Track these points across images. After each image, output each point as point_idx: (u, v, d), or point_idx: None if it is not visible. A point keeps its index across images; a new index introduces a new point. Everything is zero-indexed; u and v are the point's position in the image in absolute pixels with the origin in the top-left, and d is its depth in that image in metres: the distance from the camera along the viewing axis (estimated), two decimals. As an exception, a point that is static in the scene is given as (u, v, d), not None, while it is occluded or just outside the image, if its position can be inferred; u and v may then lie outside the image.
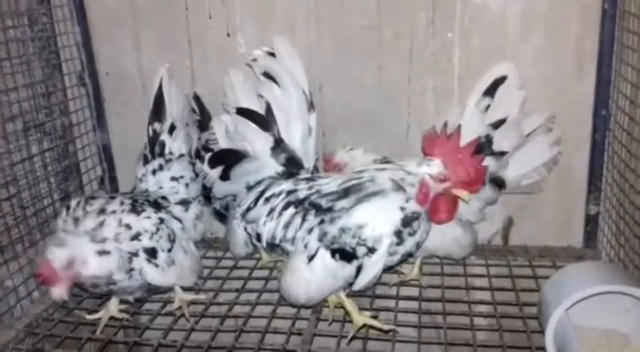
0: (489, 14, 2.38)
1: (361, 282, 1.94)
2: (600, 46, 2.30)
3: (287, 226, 1.95)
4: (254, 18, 2.56)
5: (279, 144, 2.04)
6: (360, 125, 2.48)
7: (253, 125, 2.03)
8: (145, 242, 2.05)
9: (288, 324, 2.10)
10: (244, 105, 2.07)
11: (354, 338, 2.02)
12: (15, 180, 2.35)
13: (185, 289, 2.29)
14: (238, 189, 2.11)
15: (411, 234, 1.88)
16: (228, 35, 2.59)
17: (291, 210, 1.95)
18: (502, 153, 2.23)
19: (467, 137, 2.03)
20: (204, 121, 2.56)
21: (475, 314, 2.13)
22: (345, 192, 1.90)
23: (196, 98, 2.57)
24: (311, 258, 1.92)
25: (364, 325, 2.04)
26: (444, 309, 2.17)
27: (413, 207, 1.87)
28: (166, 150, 2.37)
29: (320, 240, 1.90)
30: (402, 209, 1.86)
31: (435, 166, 1.87)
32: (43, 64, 2.53)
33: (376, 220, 1.86)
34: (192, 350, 2.06)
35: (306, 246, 1.92)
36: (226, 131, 2.14)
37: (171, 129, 2.37)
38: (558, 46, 2.35)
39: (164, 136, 2.36)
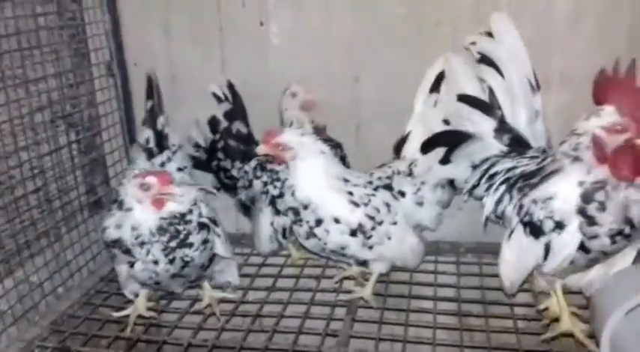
0: (538, 1, 2.28)
1: (550, 265, 1.78)
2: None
3: (498, 202, 1.97)
4: (288, 6, 2.48)
5: (502, 126, 2.05)
6: (398, 118, 2.37)
7: (477, 110, 2.06)
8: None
9: (322, 325, 2.02)
10: (466, 90, 2.09)
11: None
12: (42, 172, 2.30)
13: (215, 287, 2.22)
14: (457, 173, 2.15)
15: (601, 209, 1.62)
16: (262, 24, 2.52)
17: (504, 187, 1.96)
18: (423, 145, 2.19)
19: (417, 139, 2.16)
20: (236, 109, 2.48)
21: (518, 317, 2.03)
22: (535, 172, 1.84)
23: (230, 86, 2.49)
24: (510, 234, 1.86)
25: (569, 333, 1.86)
26: (485, 312, 2.07)
27: (596, 176, 1.63)
28: (170, 142, 2.39)
29: (517, 213, 1.83)
30: (581, 183, 1.65)
31: (607, 115, 1.62)
32: (72, 53, 2.47)
33: (564, 192, 1.69)
34: (224, 351, 1.98)
35: (509, 223, 1.88)
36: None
37: (167, 121, 2.42)
38: (610, 34, 2.24)
39: (167, 129, 2.39)
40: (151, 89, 2.40)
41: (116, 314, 2.13)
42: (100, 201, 2.64)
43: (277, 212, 2.33)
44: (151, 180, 1.88)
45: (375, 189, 2.10)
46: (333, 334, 1.96)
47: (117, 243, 1.94)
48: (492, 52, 2.07)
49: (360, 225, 2.00)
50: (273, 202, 2.32)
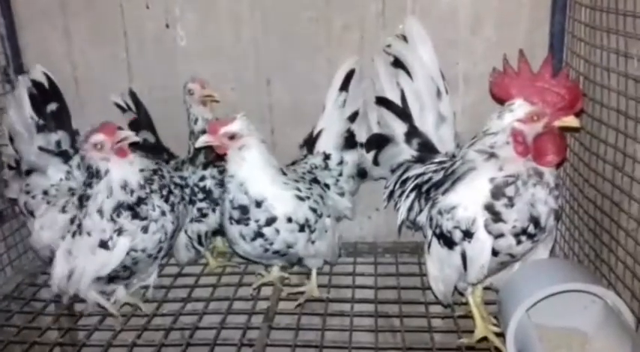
0: (440, 7, 2.32)
1: (471, 273, 1.76)
2: (551, 38, 2.27)
3: (410, 209, 2.02)
4: (195, 8, 2.41)
5: (412, 130, 2.12)
6: (310, 121, 2.36)
7: (391, 113, 2.14)
8: None
9: (238, 335, 1.97)
10: (387, 93, 2.16)
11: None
12: None
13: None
14: (386, 174, 2.23)
15: (509, 205, 1.65)
16: (167, 26, 2.44)
17: (414, 194, 2.00)
18: (362, 144, 2.30)
19: (330, 135, 2.26)
20: (140, 119, 2.42)
21: (432, 315, 2.07)
22: (444, 178, 1.83)
23: (132, 94, 2.43)
24: (429, 248, 1.88)
25: (484, 338, 1.86)
26: (400, 312, 2.09)
27: (507, 171, 1.65)
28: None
29: (430, 225, 1.83)
30: (492, 179, 1.66)
31: (519, 108, 1.65)
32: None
33: (466, 199, 1.70)
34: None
35: (425, 234, 1.89)
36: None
37: None
38: (509, 38, 2.31)
39: None
40: (55, 91, 2.29)
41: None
42: (2, 214, 2.49)
43: (190, 219, 2.29)
44: (99, 137, 1.88)
45: (310, 182, 2.11)
46: (249, 344, 1.92)
47: (120, 208, 1.92)
48: (404, 55, 2.12)
49: (307, 220, 1.99)
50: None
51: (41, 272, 2.41)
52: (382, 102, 2.18)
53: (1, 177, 2.44)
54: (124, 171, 1.94)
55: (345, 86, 2.27)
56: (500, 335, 1.82)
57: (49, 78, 2.29)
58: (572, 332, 1.78)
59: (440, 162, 2.02)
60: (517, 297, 1.69)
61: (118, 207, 1.93)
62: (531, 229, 1.69)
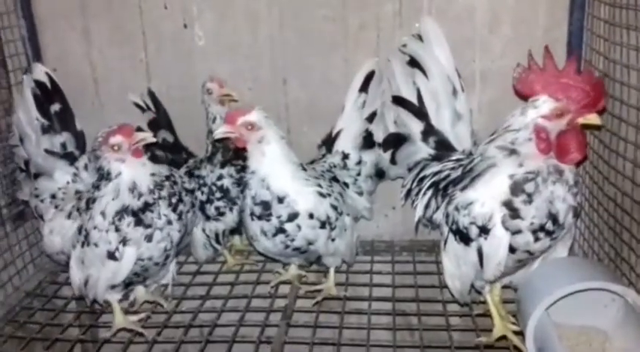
0: (457, 5, 2.32)
1: (487, 271, 1.76)
2: (569, 36, 2.26)
3: (427, 207, 2.02)
4: (212, 8, 2.43)
5: (429, 129, 2.12)
6: (327, 120, 2.37)
7: (408, 112, 2.14)
8: None
9: (257, 332, 1.99)
10: (403, 92, 2.17)
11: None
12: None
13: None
14: (403, 173, 2.24)
15: (528, 202, 1.65)
16: (185, 26, 2.46)
17: (431, 191, 2.00)
18: (379, 144, 2.31)
19: (349, 135, 2.27)
20: (159, 118, 2.44)
21: (450, 313, 2.07)
22: (462, 175, 1.83)
23: (151, 94, 2.45)
24: (445, 244, 1.87)
25: (503, 337, 1.86)
26: (418, 310, 2.09)
27: (528, 167, 1.65)
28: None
29: (446, 222, 1.83)
30: (511, 176, 1.66)
31: (544, 104, 1.64)
32: (-15, 60, 2.35)
33: (484, 195, 1.71)
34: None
35: (441, 231, 1.90)
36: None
37: None
38: (527, 37, 2.30)
39: None
40: (57, 91, 2.29)
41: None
42: (23, 213, 2.53)
43: (207, 217, 2.32)
44: (117, 139, 1.87)
45: (330, 180, 2.13)
46: (267, 341, 1.94)
47: (123, 213, 1.89)
48: (420, 55, 2.13)
49: (328, 217, 1.99)
50: (202, 208, 2.29)
51: (62, 271, 2.45)
52: (399, 101, 2.19)
53: (16, 178, 2.47)
54: (136, 173, 1.91)
55: (364, 87, 2.28)
56: (520, 334, 1.82)
57: (50, 77, 2.28)
58: (592, 330, 1.78)
59: (457, 160, 2.02)
60: (536, 296, 1.69)
61: (122, 211, 1.89)
62: (549, 226, 1.68)
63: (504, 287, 2.02)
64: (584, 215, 2.26)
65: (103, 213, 1.90)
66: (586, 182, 2.25)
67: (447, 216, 1.84)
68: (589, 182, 2.22)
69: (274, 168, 1.93)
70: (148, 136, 1.93)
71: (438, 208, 1.98)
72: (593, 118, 1.63)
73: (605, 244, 2.07)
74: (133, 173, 1.91)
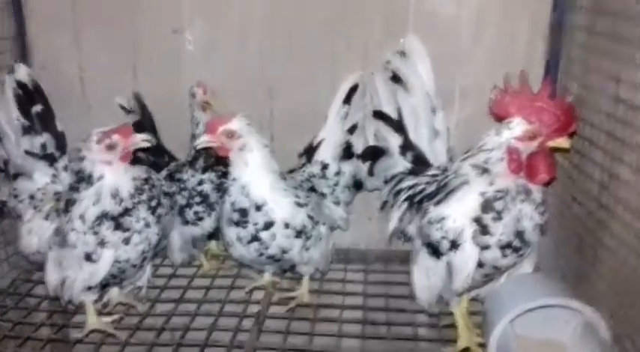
0: (442, 22, 2.40)
1: (456, 283, 1.82)
2: (547, 58, 2.36)
3: (401, 220, 2.08)
4: (203, 16, 2.49)
5: (407, 144, 2.19)
6: (309, 131, 2.42)
7: (388, 127, 2.21)
8: None
9: (229, 337, 2.02)
10: (384, 107, 2.24)
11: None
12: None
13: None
14: (380, 185, 2.30)
15: (497, 219, 1.73)
16: (175, 31, 2.51)
17: (406, 205, 2.06)
18: (358, 156, 2.38)
19: (330, 145, 2.33)
20: (144, 121, 2.46)
21: (418, 324, 2.13)
22: (437, 190, 1.89)
23: (137, 97, 2.47)
24: (416, 257, 1.93)
25: (467, 349, 1.91)
26: (387, 319, 2.15)
27: (498, 186, 1.73)
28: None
29: (419, 235, 1.89)
30: (482, 193, 1.74)
31: (517, 126, 1.71)
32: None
33: (456, 211, 1.77)
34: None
35: (413, 244, 1.96)
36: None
37: None
38: (506, 55, 2.39)
39: None
40: (39, 92, 2.29)
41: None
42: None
43: (185, 222, 2.35)
44: (116, 138, 1.88)
45: (308, 190, 2.17)
46: (239, 346, 1.97)
47: (103, 218, 1.90)
48: (403, 72, 2.19)
49: (304, 226, 2.04)
50: (181, 212, 2.32)
51: (36, 269, 2.45)
52: (379, 115, 2.25)
53: None
54: (119, 178, 1.92)
55: (348, 99, 2.33)
56: (483, 346, 1.87)
57: (32, 79, 2.27)
58: (553, 343, 1.83)
59: (433, 175, 2.08)
60: (501, 309, 1.75)
61: (102, 217, 1.90)
62: (517, 243, 1.75)
63: (472, 299, 2.07)
64: (551, 232, 2.33)
65: (82, 217, 1.91)
66: (555, 200, 2.32)
67: (420, 229, 1.90)
68: (557, 200, 2.29)
69: (255, 177, 1.97)
70: (149, 139, 1.96)
71: (411, 221, 2.04)
72: (562, 142, 1.71)
73: (569, 261, 2.14)
74: (116, 178, 1.92)
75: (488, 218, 1.73)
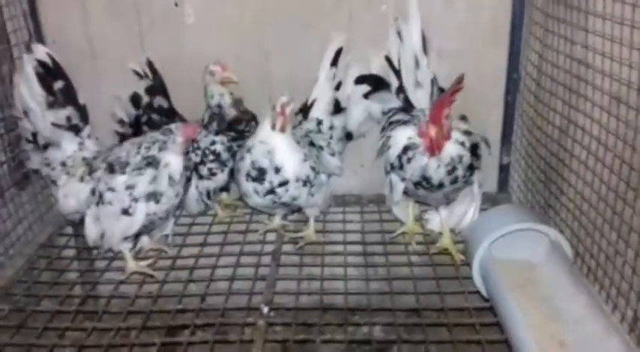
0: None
1: (394, 194, 2.44)
2: (512, 19, 2.65)
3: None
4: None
5: (400, 87, 2.54)
6: (304, 91, 2.67)
7: (391, 71, 2.59)
8: None
9: (252, 271, 2.36)
10: (392, 55, 2.57)
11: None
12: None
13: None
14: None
15: (408, 162, 2.32)
16: (176, 5, 2.71)
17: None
18: (344, 109, 2.72)
19: (322, 104, 2.62)
20: (156, 85, 2.64)
21: (411, 253, 2.51)
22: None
23: (149, 63, 2.64)
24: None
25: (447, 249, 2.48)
26: (385, 250, 2.52)
27: (416, 139, 2.29)
28: None
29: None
30: (409, 138, 2.33)
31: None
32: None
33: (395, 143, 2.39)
34: (167, 300, 2.27)
35: None
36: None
37: None
38: (476, 18, 2.68)
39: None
40: (59, 69, 2.41)
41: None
42: (28, 175, 2.76)
43: (200, 177, 2.62)
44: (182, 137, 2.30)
45: (309, 144, 2.50)
46: (262, 278, 2.30)
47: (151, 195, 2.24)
48: (401, 28, 2.52)
49: (308, 177, 2.38)
50: (195, 168, 2.58)
51: (73, 226, 2.71)
52: (388, 60, 2.57)
53: (20, 146, 2.66)
54: (178, 165, 2.28)
55: (335, 62, 2.62)
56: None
57: (51, 57, 2.40)
58: (524, 262, 2.19)
59: (413, 115, 2.46)
60: (480, 235, 2.12)
61: (151, 195, 2.24)
62: (424, 184, 2.29)
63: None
64: (520, 171, 2.72)
65: (131, 187, 2.23)
66: (523, 143, 2.69)
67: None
68: (525, 143, 2.66)
69: (283, 145, 2.33)
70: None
71: None
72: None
73: (537, 194, 2.53)
74: (177, 166, 2.27)
75: (404, 158, 2.28)
